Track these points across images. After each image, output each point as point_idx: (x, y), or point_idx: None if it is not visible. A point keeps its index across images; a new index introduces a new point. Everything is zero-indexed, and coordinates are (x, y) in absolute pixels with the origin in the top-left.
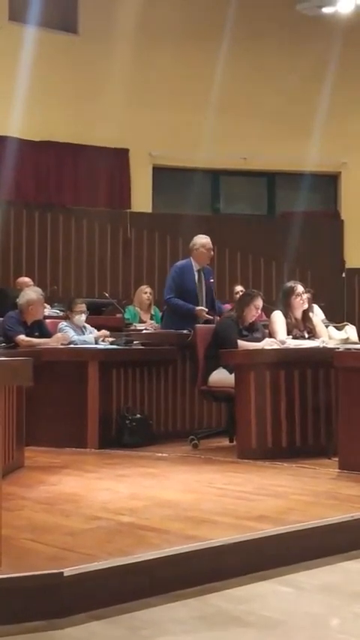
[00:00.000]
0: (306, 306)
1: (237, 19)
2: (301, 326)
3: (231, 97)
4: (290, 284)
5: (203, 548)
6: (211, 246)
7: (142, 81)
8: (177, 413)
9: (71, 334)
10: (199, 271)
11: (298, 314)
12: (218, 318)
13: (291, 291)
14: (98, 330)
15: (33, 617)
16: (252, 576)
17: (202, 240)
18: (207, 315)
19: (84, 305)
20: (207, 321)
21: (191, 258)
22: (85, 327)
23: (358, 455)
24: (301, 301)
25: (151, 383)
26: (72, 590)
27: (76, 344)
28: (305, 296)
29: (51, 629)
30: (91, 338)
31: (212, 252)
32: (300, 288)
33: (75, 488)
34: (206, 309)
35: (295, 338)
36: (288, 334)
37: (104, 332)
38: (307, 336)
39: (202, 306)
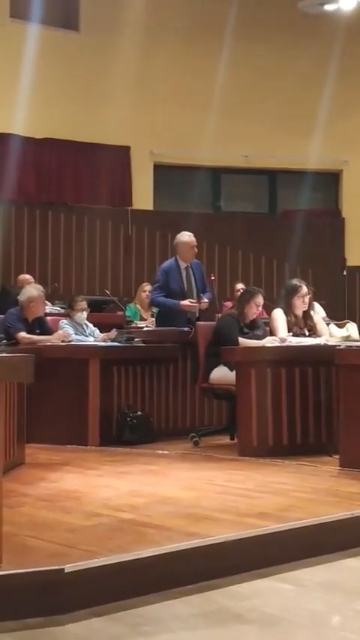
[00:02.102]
0: (306, 307)
1: (239, 18)
2: (302, 324)
3: (233, 95)
4: (296, 283)
5: (204, 545)
6: (193, 242)
7: (143, 78)
8: (178, 410)
9: (71, 332)
10: (187, 268)
11: (299, 312)
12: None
13: (295, 291)
14: (98, 327)
15: (34, 614)
16: (253, 573)
17: (182, 238)
18: (193, 304)
19: (85, 302)
20: (198, 319)
21: (176, 256)
22: (86, 325)
23: (358, 452)
24: (304, 303)
25: (151, 380)
26: (73, 587)
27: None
28: (307, 298)
29: (52, 625)
30: (91, 340)
31: (195, 248)
32: (304, 290)
33: (76, 486)
34: (193, 300)
35: (295, 335)
36: (288, 332)
37: (106, 335)
38: (307, 333)
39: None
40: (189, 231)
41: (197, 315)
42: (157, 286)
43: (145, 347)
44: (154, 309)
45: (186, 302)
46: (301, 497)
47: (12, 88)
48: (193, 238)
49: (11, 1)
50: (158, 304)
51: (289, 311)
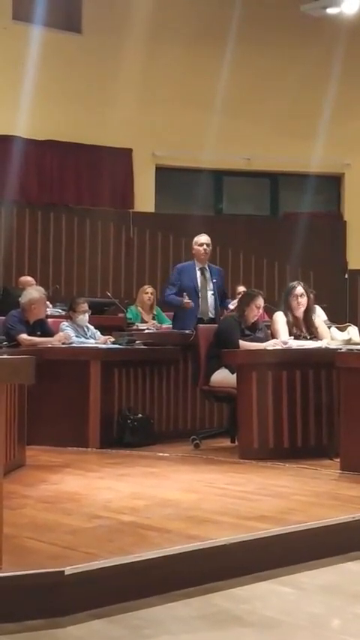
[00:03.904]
0: (302, 309)
1: (241, 20)
2: (301, 325)
3: (235, 97)
4: (292, 283)
5: (204, 548)
6: (202, 242)
7: (145, 81)
8: (179, 413)
9: (72, 334)
10: (202, 269)
11: (298, 313)
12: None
13: (289, 292)
14: (99, 329)
15: (34, 616)
16: (253, 576)
17: (196, 238)
18: (187, 303)
19: (86, 305)
20: (210, 321)
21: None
22: (87, 327)
23: (359, 456)
24: (299, 304)
25: (152, 383)
26: (73, 589)
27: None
28: (303, 299)
29: (52, 627)
30: (92, 343)
31: (203, 248)
32: (298, 290)
33: (76, 487)
34: (188, 301)
35: (296, 338)
36: (289, 335)
37: (107, 338)
38: (308, 337)
39: (206, 303)
40: (190, 233)
41: (213, 315)
42: (168, 285)
43: (145, 349)
44: (156, 312)
45: (187, 303)
46: (301, 500)
47: (14, 90)
48: (201, 239)
49: (14, 4)
50: (168, 302)
51: (287, 312)
